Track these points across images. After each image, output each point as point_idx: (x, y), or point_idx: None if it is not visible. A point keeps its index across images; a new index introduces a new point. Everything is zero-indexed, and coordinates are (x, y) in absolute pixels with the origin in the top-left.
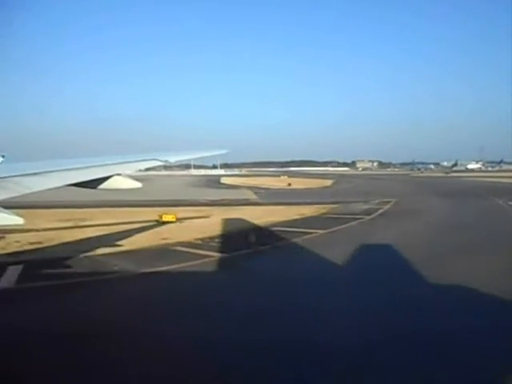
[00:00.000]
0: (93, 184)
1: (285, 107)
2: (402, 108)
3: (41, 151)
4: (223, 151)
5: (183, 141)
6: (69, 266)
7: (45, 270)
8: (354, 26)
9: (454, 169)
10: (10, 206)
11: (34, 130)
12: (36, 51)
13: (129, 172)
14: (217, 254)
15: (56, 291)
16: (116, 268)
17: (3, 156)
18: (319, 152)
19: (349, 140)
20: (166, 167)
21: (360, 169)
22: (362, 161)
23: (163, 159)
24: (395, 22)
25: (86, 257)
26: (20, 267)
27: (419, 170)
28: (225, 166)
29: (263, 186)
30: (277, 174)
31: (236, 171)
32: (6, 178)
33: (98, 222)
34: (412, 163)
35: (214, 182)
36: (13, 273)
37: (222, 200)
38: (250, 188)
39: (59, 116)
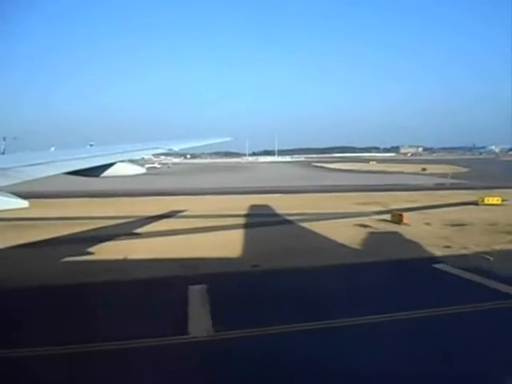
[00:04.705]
0: (95, 172)
1: (322, 95)
2: (440, 94)
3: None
4: (227, 138)
5: (225, 131)
6: None
7: None
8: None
9: None
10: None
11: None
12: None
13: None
14: None
15: None
16: None
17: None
18: (357, 138)
19: (388, 126)
20: (226, 154)
21: (409, 154)
22: (403, 146)
23: (167, 147)
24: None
25: None
26: None
27: (480, 154)
28: (264, 152)
29: (406, 172)
30: (362, 159)
31: (287, 158)
32: (10, 167)
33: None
34: (473, 147)
35: (320, 167)
36: None
37: (437, 185)
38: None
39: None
